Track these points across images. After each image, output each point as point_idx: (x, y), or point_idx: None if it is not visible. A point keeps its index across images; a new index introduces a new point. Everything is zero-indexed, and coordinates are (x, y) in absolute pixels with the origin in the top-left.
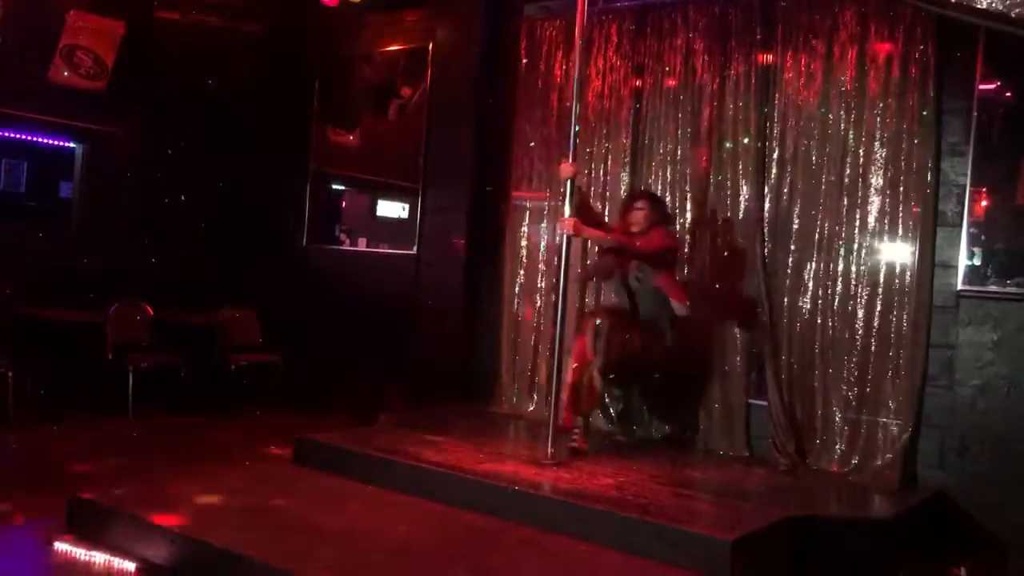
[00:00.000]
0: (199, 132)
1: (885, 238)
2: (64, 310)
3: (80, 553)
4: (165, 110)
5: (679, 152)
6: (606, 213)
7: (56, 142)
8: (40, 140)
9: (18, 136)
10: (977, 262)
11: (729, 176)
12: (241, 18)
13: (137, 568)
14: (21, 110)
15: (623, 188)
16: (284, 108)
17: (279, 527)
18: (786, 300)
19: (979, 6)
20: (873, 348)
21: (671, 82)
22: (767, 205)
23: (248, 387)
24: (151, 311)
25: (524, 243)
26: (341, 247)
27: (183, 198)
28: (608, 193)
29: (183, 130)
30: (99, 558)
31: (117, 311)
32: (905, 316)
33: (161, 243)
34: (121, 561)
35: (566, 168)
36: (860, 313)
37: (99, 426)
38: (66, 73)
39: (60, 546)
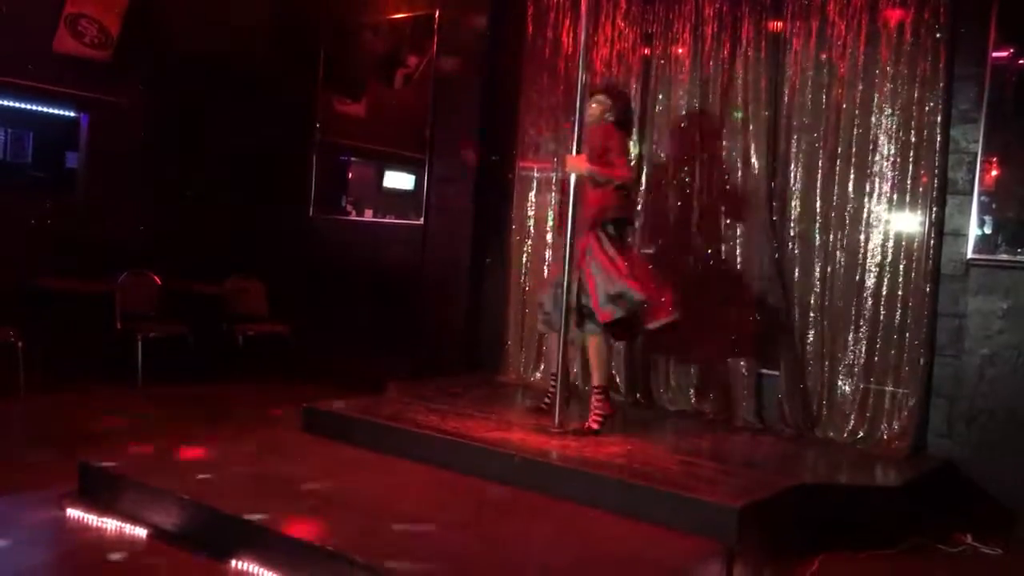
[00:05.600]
0: (204, 101)
1: (895, 206)
2: (72, 280)
3: (92, 520)
4: (170, 79)
5: (688, 121)
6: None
7: (61, 112)
8: (45, 110)
9: (23, 106)
10: (988, 230)
11: (739, 145)
12: None
13: (148, 534)
14: (26, 80)
15: (631, 156)
16: (290, 77)
17: (288, 494)
18: (796, 269)
19: None
20: (882, 317)
21: (680, 50)
22: (777, 174)
23: (255, 357)
24: (159, 281)
25: (531, 212)
26: (348, 218)
27: (189, 168)
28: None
29: (188, 99)
30: (111, 525)
31: (125, 281)
32: (914, 285)
33: (167, 213)
34: (132, 527)
35: (572, 161)
36: (869, 282)
37: (108, 395)
38: (71, 42)
39: (72, 513)
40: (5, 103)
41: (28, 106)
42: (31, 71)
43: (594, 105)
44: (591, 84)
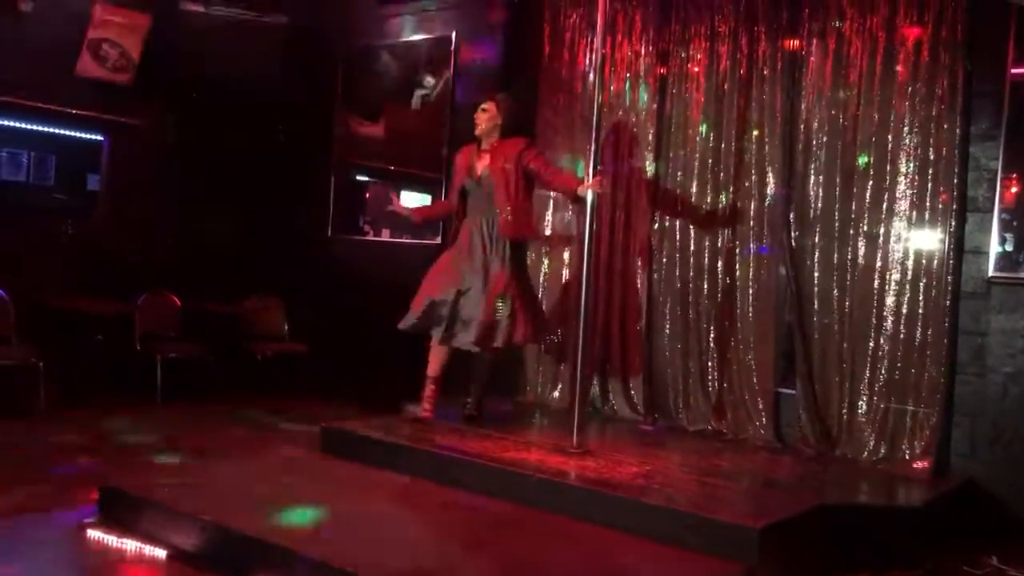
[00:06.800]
0: (224, 124)
1: (914, 224)
2: (93, 301)
3: (112, 540)
4: (190, 102)
5: (704, 139)
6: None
7: (84, 135)
8: (68, 133)
9: (46, 129)
10: (1009, 248)
11: (755, 162)
12: (265, 9)
13: (168, 555)
14: (49, 103)
15: (648, 175)
16: (308, 99)
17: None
18: (815, 288)
19: None
20: (902, 335)
21: (696, 68)
22: (794, 192)
23: (274, 376)
24: (178, 301)
25: (547, 232)
26: (365, 237)
27: (208, 189)
28: (633, 180)
29: (208, 122)
30: (130, 545)
31: (145, 302)
32: (934, 303)
33: (187, 234)
34: (152, 548)
35: (595, 183)
36: (889, 300)
37: (128, 416)
38: (93, 66)
39: (92, 534)
40: (29, 126)
41: (51, 129)
42: (54, 95)
43: (480, 114)
44: (604, 103)
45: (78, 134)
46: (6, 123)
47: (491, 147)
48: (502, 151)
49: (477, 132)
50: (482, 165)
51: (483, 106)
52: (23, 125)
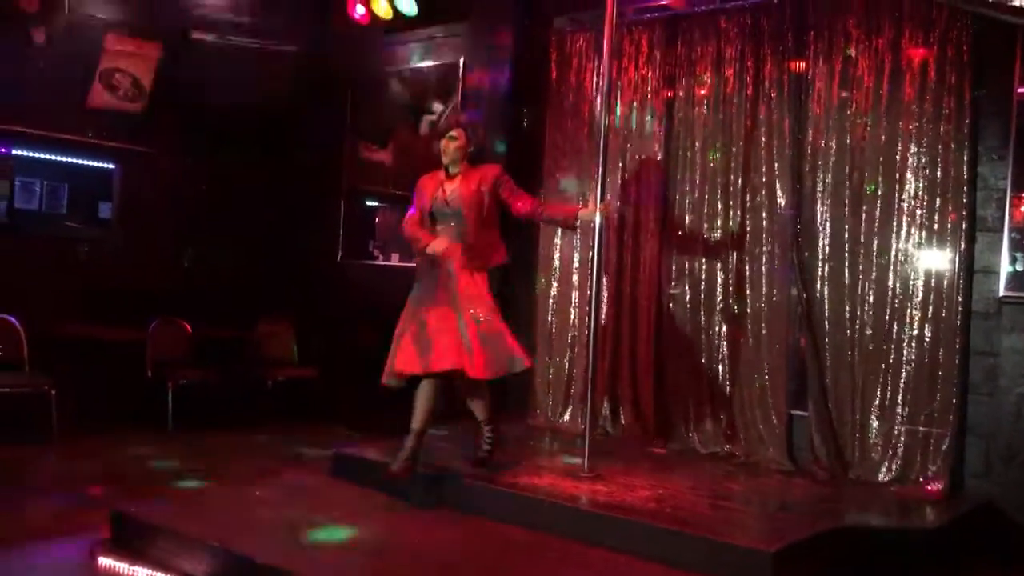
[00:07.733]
0: (235, 151)
1: (923, 245)
2: (104, 328)
3: (123, 568)
4: (201, 130)
5: (712, 161)
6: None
7: (96, 163)
8: (80, 162)
9: (59, 158)
10: (1020, 268)
11: (764, 184)
12: (275, 38)
13: None
14: (61, 133)
15: (656, 197)
16: (318, 126)
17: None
18: (825, 309)
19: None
20: (913, 356)
21: (702, 91)
22: (802, 213)
23: (285, 401)
24: (189, 328)
25: (557, 255)
26: (374, 262)
27: (219, 216)
28: (641, 203)
29: (219, 150)
30: (141, 572)
31: (156, 328)
32: (945, 323)
33: (198, 261)
34: (162, 575)
35: (604, 207)
36: (900, 321)
37: (140, 441)
38: (105, 96)
39: (104, 560)
40: (42, 156)
41: (63, 158)
42: (67, 124)
43: (449, 143)
44: (612, 127)
45: (90, 163)
46: (20, 152)
47: (462, 171)
48: (475, 175)
49: (445, 161)
50: (451, 188)
51: (451, 134)
52: (36, 154)
